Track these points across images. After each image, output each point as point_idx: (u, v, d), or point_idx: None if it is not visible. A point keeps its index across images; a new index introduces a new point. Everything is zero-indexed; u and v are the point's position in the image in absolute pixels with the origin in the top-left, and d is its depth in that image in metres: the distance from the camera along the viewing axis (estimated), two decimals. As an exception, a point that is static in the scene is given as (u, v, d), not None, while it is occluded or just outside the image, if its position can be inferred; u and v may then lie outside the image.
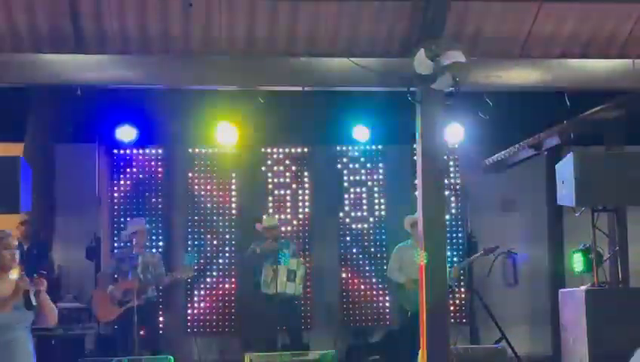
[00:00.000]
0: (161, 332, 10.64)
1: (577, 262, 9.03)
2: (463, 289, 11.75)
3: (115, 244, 11.22)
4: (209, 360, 10.94)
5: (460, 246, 11.79)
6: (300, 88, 8.15)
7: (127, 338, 9.18)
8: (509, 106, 9.37)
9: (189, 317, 11.43)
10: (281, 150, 11.83)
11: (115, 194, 11.48)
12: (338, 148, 11.90)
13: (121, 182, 11.52)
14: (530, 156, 11.35)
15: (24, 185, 7.69)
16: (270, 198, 11.73)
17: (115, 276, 9.53)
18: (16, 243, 5.70)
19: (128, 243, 10.16)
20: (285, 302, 9.82)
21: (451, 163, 12.00)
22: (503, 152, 11.52)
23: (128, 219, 11.12)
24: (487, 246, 10.08)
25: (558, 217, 11.87)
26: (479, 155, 11.90)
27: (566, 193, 7.99)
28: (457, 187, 12.01)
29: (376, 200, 11.91)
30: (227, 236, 11.63)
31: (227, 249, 11.61)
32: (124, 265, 9.49)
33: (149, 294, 9.51)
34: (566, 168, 7.97)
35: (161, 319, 10.89)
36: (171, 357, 7.70)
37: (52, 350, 8.85)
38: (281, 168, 11.83)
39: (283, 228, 11.13)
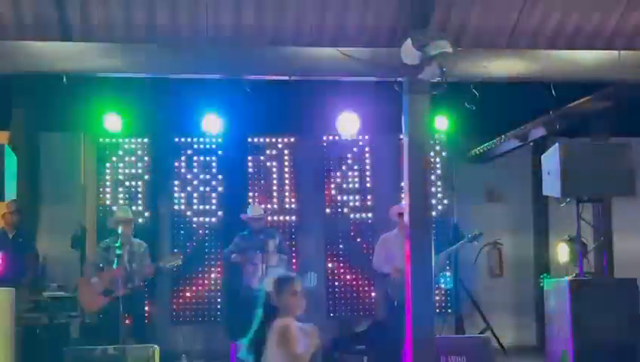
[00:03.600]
0: (146, 321, 10.61)
1: (562, 252, 9.10)
2: (448, 279, 11.78)
3: (101, 234, 11.19)
4: (195, 349, 10.93)
5: (446, 237, 11.82)
6: (286, 78, 8.13)
7: (112, 328, 9.15)
8: (495, 97, 9.37)
9: (174, 307, 11.42)
10: (267, 139, 11.82)
11: (101, 183, 11.43)
12: (325, 137, 11.89)
13: (107, 171, 11.47)
14: (516, 147, 11.39)
15: (9, 173, 7.67)
16: (256, 188, 11.72)
17: (101, 265, 9.50)
18: None
19: (114, 233, 10.13)
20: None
21: (437, 153, 12.01)
22: (488, 143, 11.55)
23: (114, 208, 11.09)
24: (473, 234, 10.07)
25: (544, 208, 11.93)
26: (465, 146, 11.93)
27: (551, 184, 8.03)
28: (443, 177, 12.03)
29: (363, 191, 11.92)
30: (213, 225, 11.61)
31: (213, 238, 11.58)
32: (110, 254, 9.45)
33: (135, 283, 9.48)
34: (551, 159, 8.00)
35: (146, 308, 10.86)
36: (157, 346, 7.69)
37: (37, 338, 8.82)
38: (267, 158, 11.82)
39: (269, 218, 11.12)
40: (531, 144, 11.27)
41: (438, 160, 11.99)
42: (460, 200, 11.72)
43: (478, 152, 11.86)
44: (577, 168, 7.78)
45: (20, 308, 8.52)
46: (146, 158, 11.59)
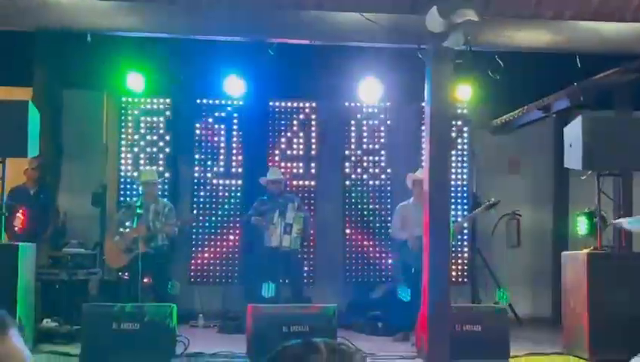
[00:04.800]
0: (165, 281, 10.70)
1: (581, 225, 9.07)
2: (465, 249, 11.80)
3: (121, 192, 11.28)
4: (212, 309, 11.03)
5: (465, 207, 11.81)
6: (308, 42, 8.10)
7: (131, 286, 9.26)
8: (519, 67, 9.31)
9: (192, 267, 11.51)
10: (288, 104, 11.81)
11: (122, 143, 11.48)
12: (346, 103, 11.86)
13: (129, 131, 11.52)
14: (539, 118, 11.31)
15: (32, 130, 7.73)
16: (276, 152, 11.74)
17: (126, 224, 9.61)
18: None
19: (138, 193, 10.25)
20: (286, 256, 9.89)
21: (459, 123, 11.96)
22: (511, 113, 11.48)
23: (135, 168, 11.18)
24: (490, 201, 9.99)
25: (564, 180, 11.86)
26: (487, 116, 11.86)
27: (573, 156, 8.00)
28: (464, 147, 11.99)
29: (383, 158, 11.91)
30: (233, 188, 11.66)
31: (232, 201, 11.63)
32: (133, 213, 9.53)
33: (159, 243, 9.59)
34: (574, 131, 7.97)
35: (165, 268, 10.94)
36: (174, 306, 7.77)
37: (56, 294, 8.93)
38: (288, 122, 11.82)
39: (288, 183, 11.16)
40: (554, 116, 11.18)
41: (459, 129, 11.95)
42: (480, 170, 11.68)
43: (500, 122, 11.79)
44: (600, 141, 7.74)
45: (40, 263, 8.62)
46: (167, 119, 11.62)
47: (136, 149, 11.51)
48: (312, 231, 11.10)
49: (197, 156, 11.64)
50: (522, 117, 11.41)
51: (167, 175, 11.50)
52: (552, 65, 9.55)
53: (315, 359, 1.45)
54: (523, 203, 11.57)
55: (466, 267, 11.77)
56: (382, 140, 11.93)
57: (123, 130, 11.49)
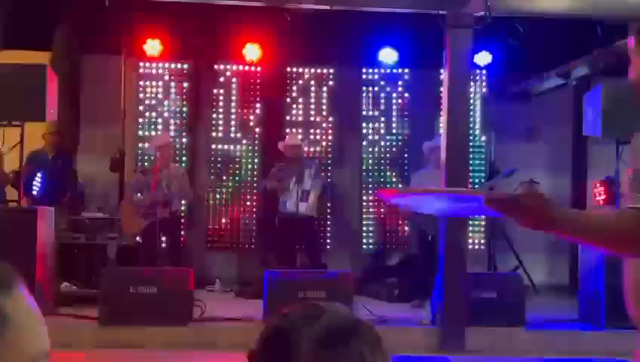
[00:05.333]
0: (182, 245, 10.78)
1: (599, 193, 9.04)
2: (482, 216, 11.78)
3: (139, 158, 11.32)
4: (228, 275, 11.09)
5: (482, 175, 11.78)
6: (327, 7, 8.05)
7: (149, 250, 9.33)
8: (539, 34, 9.23)
9: (209, 233, 11.56)
10: (306, 70, 11.76)
11: (140, 108, 11.49)
12: (364, 70, 11.81)
13: (147, 95, 11.52)
14: (559, 85, 11.22)
15: (50, 94, 7.75)
16: (293, 117, 11.72)
17: (141, 189, 9.65)
18: None
19: (153, 157, 10.27)
20: (303, 223, 9.91)
21: (477, 89, 11.90)
22: (530, 80, 11.40)
23: (153, 133, 11.20)
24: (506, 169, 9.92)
25: (583, 148, 11.80)
26: (506, 83, 11.77)
27: (592, 124, 7.95)
28: (482, 114, 11.93)
29: (400, 124, 11.87)
30: (250, 153, 11.67)
31: (250, 167, 11.65)
32: (148, 178, 9.57)
33: (174, 207, 9.63)
34: (594, 99, 7.91)
35: (182, 233, 11.01)
36: (191, 270, 7.82)
37: (75, 258, 9.01)
38: (305, 88, 11.78)
39: (305, 148, 11.15)
40: (574, 83, 11.09)
41: (477, 96, 11.89)
42: (498, 137, 11.63)
43: (519, 90, 11.71)
44: (619, 109, 7.67)
45: (59, 227, 8.69)
46: (185, 84, 11.61)
47: (154, 114, 11.52)
48: (328, 198, 11.12)
49: (214, 121, 11.64)
50: (541, 84, 11.32)
51: (184, 140, 11.52)
52: (572, 32, 9.45)
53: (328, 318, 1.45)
54: (541, 171, 11.52)
55: (483, 234, 11.76)
56: (399, 107, 11.87)
57: (141, 95, 11.49)
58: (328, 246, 11.53)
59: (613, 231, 2.29)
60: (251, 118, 11.67)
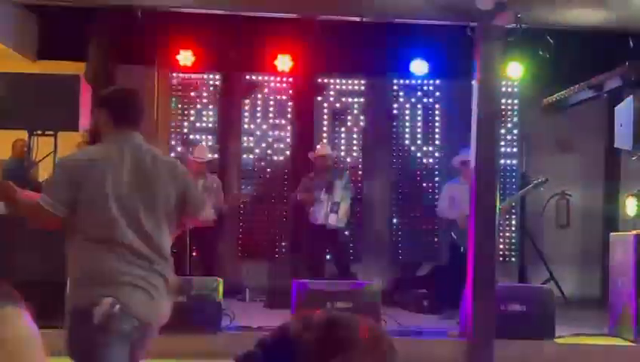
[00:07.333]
0: (216, 255, 10.82)
1: (631, 206, 8.96)
2: (513, 228, 11.73)
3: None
4: (258, 285, 11.12)
5: (514, 187, 11.72)
6: (358, 19, 8.09)
7: (179, 258, 9.38)
8: (570, 46, 9.19)
9: (240, 243, 11.61)
10: (337, 80, 11.80)
11: (173, 118, 11.59)
12: (395, 80, 11.83)
13: (179, 106, 11.62)
14: (591, 97, 11.14)
15: (84, 105, 7.85)
16: (324, 128, 11.76)
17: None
18: None
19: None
20: (332, 234, 9.92)
21: (509, 101, 11.86)
22: (562, 92, 11.34)
23: (189, 143, 11.29)
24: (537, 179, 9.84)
25: (616, 160, 11.70)
26: (538, 94, 11.72)
27: (624, 136, 7.90)
28: (514, 126, 11.88)
29: (431, 135, 11.86)
30: (281, 164, 11.71)
31: (280, 177, 11.70)
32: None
33: (209, 217, 9.67)
34: (625, 111, 7.86)
35: (214, 243, 11.04)
36: (220, 280, 7.86)
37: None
38: (336, 98, 11.82)
39: (336, 159, 11.18)
40: (606, 95, 11.01)
41: (509, 108, 11.85)
42: (530, 149, 11.57)
43: (551, 101, 11.64)
44: (651, 121, 7.62)
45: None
46: (217, 95, 11.70)
47: (186, 124, 11.62)
48: (357, 209, 11.13)
49: (245, 132, 11.70)
50: (573, 96, 11.25)
51: (216, 149, 11.59)
52: (604, 44, 9.39)
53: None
54: (573, 183, 11.46)
55: (513, 246, 11.70)
56: (430, 118, 11.87)
57: (173, 105, 11.59)
58: (358, 257, 11.52)
59: None
60: (282, 128, 11.72)
